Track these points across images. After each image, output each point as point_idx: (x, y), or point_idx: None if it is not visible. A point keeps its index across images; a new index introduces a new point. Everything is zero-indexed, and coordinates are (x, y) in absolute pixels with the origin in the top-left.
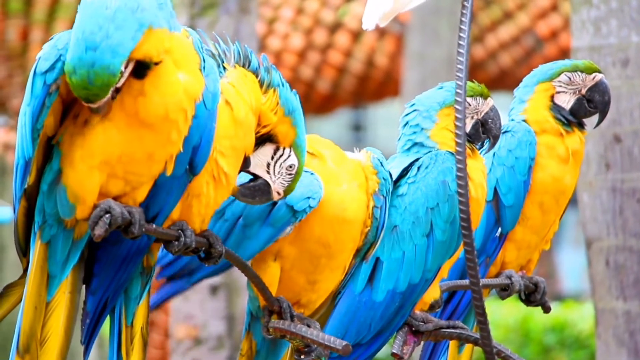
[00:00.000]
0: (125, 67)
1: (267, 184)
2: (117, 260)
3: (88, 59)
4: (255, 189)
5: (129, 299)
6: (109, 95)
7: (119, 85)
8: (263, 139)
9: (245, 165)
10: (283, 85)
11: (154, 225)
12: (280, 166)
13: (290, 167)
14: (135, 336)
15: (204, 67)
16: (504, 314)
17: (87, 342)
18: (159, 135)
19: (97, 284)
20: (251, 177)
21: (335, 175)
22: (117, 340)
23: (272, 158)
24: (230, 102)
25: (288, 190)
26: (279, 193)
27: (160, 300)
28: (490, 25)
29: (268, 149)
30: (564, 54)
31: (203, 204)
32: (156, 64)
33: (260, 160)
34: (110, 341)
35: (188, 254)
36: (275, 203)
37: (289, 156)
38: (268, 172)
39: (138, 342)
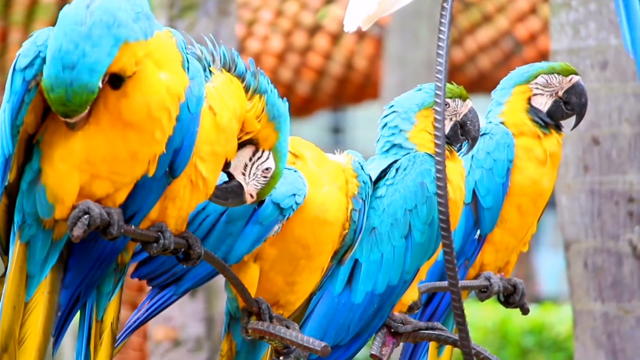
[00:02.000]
0: (102, 81)
1: (240, 186)
2: (93, 257)
3: (66, 78)
4: (228, 191)
5: (101, 295)
6: (87, 109)
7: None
8: (244, 142)
9: (226, 165)
10: (271, 91)
11: (132, 227)
12: (256, 168)
13: (267, 169)
14: (104, 331)
15: (188, 68)
16: (482, 316)
17: (57, 334)
18: (143, 134)
19: (70, 278)
20: (227, 178)
21: (316, 176)
22: (86, 335)
23: (250, 160)
24: (214, 107)
25: (262, 193)
26: (251, 196)
27: (151, 313)
28: (470, 28)
29: (247, 150)
30: (543, 56)
31: (177, 206)
32: (129, 76)
33: (239, 161)
34: (79, 335)
35: (166, 254)
36: (261, 201)
37: (266, 159)
38: (243, 174)
39: (107, 337)
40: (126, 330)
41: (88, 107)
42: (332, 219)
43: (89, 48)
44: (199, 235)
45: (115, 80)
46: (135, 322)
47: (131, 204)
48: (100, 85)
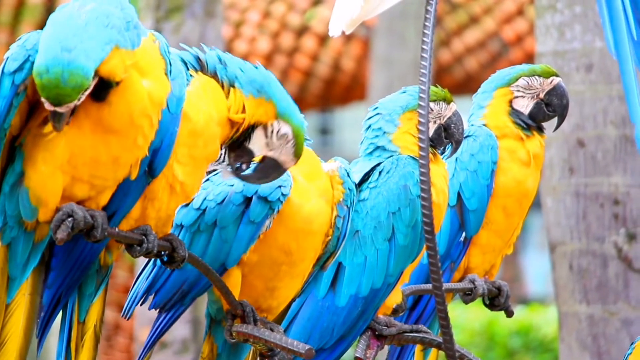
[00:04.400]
0: (92, 79)
1: (274, 160)
2: (74, 257)
3: (64, 59)
4: (266, 169)
5: (83, 296)
6: (76, 101)
7: (77, 102)
8: (249, 129)
9: (250, 155)
10: (242, 70)
11: (116, 229)
12: (277, 139)
13: (285, 134)
14: (86, 333)
15: (170, 71)
16: (469, 318)
17: (41, 335)
18: (125, 140)
19: (53, 278)
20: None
21: (306, 190)
22: (66, 336)
23: (266, 137)
24: (189, 112)
25: (297, 153)
26: (288, 162)
27: (162, 331)
28: (457, 30)
29: (259, 133)
30: (530, 58)
31: (156, 208)
32: (117, 83)
33: (259, 145)
34: (60, 336)
35: (150, 257)
36: (249, 202)
37: (280, 127)
38: (271, 149)
39: (90, 339)
40: (144, 349)
41: (78, 99)
42: (317, 229)
43: (86, 37)
44: (197, 252)
45: (101, 90)
46: (150, 339)
47: (110, 203)
48: (92, 80)
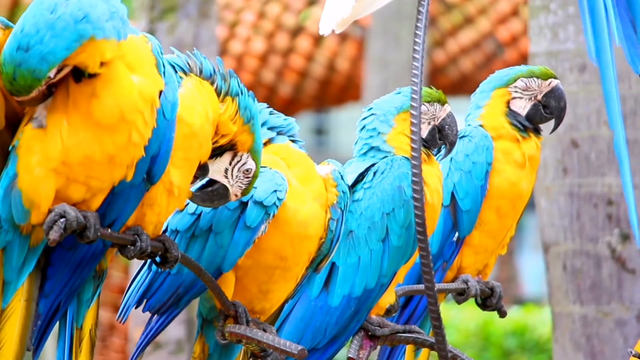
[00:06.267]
0: (58, 71)
1: (225, 188)
2: (72, 265)
3: (17, 58)
4: (214, 194)
5: (81, 302)
6: (33, 94)
7: (53, 80)
8: (223, 149)
9: (204, 172)
10: (242, 92)
11: (109, 230)
12: (238, 170)
13: (248, 171)
14: (83, 338)
15: (163, 73)
16: (464, 318)
17: (38, 344)
18: (118, 137)
19: (50, 287)
20: (207, 180)
21: (301, 194)
22: (68, 343)
23: (230, 164)
24: (183, 114)
25: (245, 191)
26: (236, 195)
27: (155, 333)
28: (451, 30)
29: (226, 156)
30: (525, 58)
31: (156, 213)
32: (91, 75)
33: (218, 167)
34: (60, 343)
35: (143, 258)
36: (244, 208)
37: (246, 161)
38: (226, 177)
39: (86, 343)
40: (137, 350)
41: (35, 92)
42: (312, 233)
43: (48, 37)
44: (193, 257)
45: (78, 74)
46: (143, 341)
47: (110, 211)
48: (52, 75)
